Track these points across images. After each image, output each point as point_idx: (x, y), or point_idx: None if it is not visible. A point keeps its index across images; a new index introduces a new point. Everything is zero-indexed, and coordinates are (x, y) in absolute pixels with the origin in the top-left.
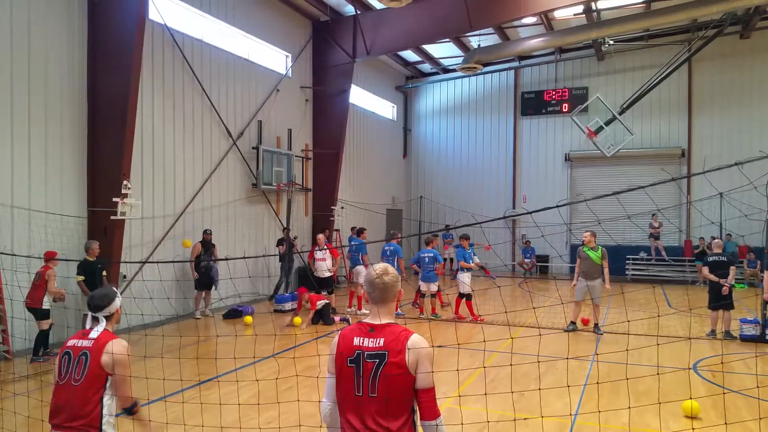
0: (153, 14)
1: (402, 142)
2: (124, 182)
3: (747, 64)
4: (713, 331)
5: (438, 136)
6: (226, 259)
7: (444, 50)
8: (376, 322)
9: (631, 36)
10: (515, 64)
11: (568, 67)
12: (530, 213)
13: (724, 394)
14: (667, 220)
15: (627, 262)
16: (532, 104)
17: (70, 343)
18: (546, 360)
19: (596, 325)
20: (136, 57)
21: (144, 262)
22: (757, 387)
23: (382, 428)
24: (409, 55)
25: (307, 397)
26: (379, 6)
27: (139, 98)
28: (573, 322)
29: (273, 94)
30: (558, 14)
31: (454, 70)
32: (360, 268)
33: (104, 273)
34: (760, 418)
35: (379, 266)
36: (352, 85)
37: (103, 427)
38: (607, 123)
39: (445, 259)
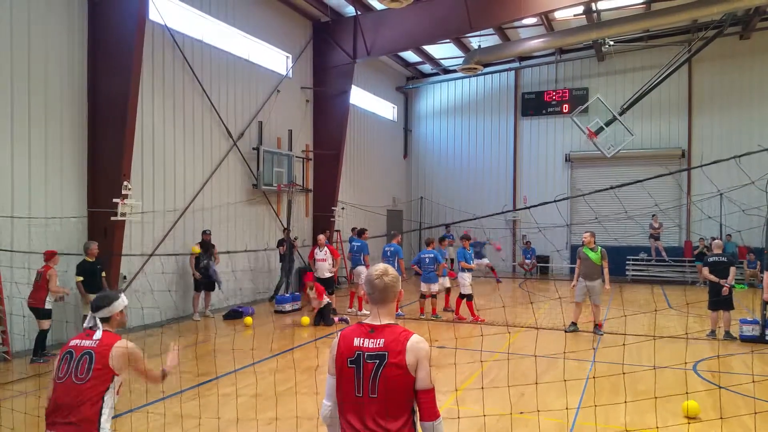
0: (153, 14)
1: (402, 143)
2: (124, 183)
3: (747, 64)
4: (713, 332)
5: (438, 137)
6: (227, 253)
7: (444, 51)
8: (377, 322)
9: (631, 37)
10: (515, 64)
11: (568, 67)
12: (528, 208)
13: (720, 392)
14: (667, 217)
15: (627, 262)
16: (533, 105)
17: (73, 342)
18: (545, 357)
19: (596, 325)
20: (136, 57)
21: (143, 255)
22: (753, 383)
23: (382, 429)
24: (410, 55)
25: (307, 398)
26: (379, 7)
27: (139, 98)
28: (574, 323)
29: (273, 94)
30: (558, 15)
31: (454, 71)
32: (361, 268)
33: (103, 274)
34: (755, 413)
35: (380, 267)
36: (353, 86)
37: (102, 425)
38: (608, 123)
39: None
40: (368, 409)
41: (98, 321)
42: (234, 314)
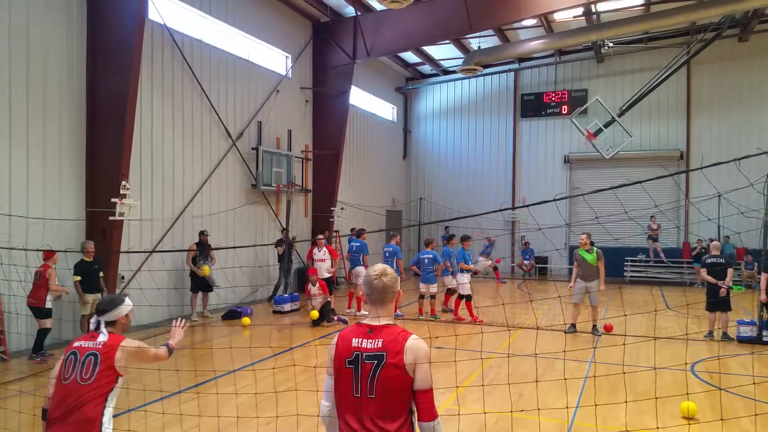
0: (153, 14)
1: (402, 144)
2: (123, 183)
3: (745, 66)
4: (711, 333)
5: (438, 138)
6: (225, 248)
7: (444, 52)
8: (375, 323)
9: (631, 38)
10: (515, 65)
11: (567, 69)
12: (528, 206)
13: (721, 392)
14: (665, 219)
15: (625, 263)
16: (532, 106)
17: (77, 344)
18: (545, 357)
19: (594, 326)
20: (136, 57)
21: (141, 252)
22: (753, 384)
23: (380, 429)
24: (409, 56)
25: (306, 398)
26: (379, 7)
27: (138, 98)
28: (573, 324)
29: (273, 94)
30: (558, 16)
31: (454, 72)
32: (360, 269)
33: (101, 274)
34: (755, 414)
35: (378, 267)
36: (352, 87)
37: (104, 425)
38: (607, 125)
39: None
40: (366, 409)
41: (103, 324)
42: (232, 314)
